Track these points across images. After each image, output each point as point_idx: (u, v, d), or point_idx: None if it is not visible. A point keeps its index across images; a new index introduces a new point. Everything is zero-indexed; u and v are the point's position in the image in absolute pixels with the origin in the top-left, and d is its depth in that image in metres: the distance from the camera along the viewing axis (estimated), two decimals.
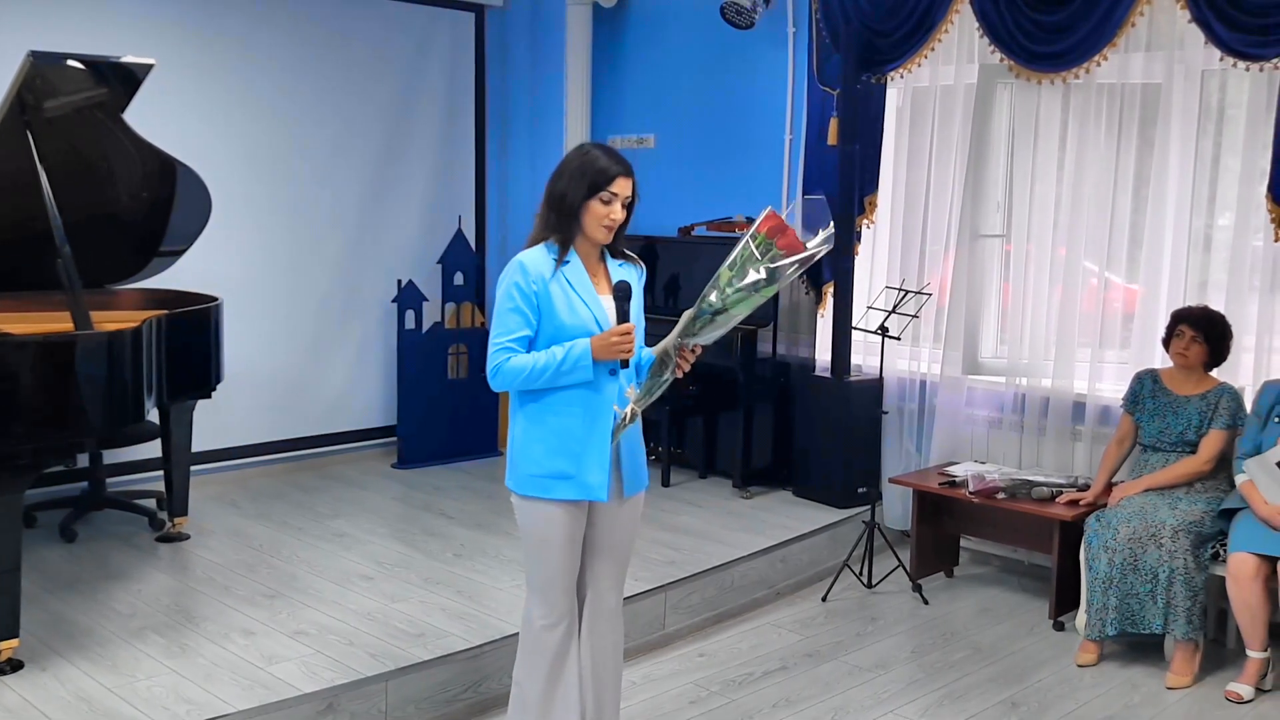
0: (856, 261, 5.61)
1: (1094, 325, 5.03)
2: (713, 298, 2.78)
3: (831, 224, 2.80)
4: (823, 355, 5.78)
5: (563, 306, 2.89)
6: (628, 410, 2.86)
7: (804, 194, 5.81)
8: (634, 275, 3.03)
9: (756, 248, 2.73)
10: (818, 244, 2.79)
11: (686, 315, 2.82)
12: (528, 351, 2.90)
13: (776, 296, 5.63)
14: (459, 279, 6.52)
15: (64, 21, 5.20)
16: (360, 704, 3.51)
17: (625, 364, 2.94)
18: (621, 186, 2.89)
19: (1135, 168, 4.91)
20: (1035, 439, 5.15)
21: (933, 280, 5.38)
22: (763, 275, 2.74)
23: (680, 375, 2.88)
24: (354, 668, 3.64)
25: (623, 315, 2.91)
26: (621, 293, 2.92)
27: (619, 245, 3.02)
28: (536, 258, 2.90)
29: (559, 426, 2.92)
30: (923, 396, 5.54)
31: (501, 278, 2.93)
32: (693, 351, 2.87)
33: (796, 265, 2.76)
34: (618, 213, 2.90)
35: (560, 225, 2.91)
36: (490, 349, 2.92)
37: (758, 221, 2.76)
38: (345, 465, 6.36)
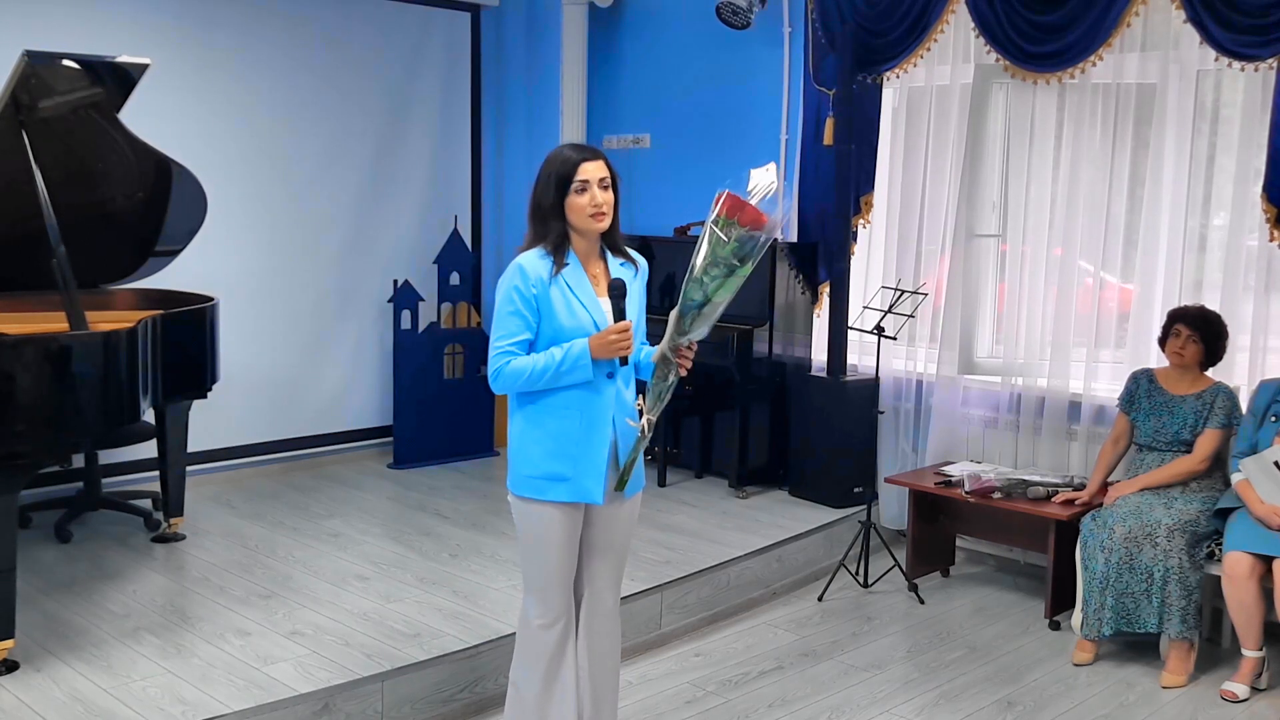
0: (852, 261, 5.62)
1: (1089, 325, 5.03)
2: (693, 292, 2.78)
3: (774, 182, 2.79)
4: (819, 355, 5.79)
5: (561, 309, 2.88)
6: (643, 422, 2.85)
7: (799, 194, 5.82)
8: (632, 275, 3.02)
9: (721, 231, 2.73)
10: (776, 209, 2.77)
11: (673, 316, 2.82)
12: (528, 354, 2.90)
13: (772, 296, 5.69)
14: (455, 279, 6.51)
15: (59, 21, 5.19)
16: (356, 704, 3.51)
17: (625, 361, 2.94)
18: (590, 171, 2.86)
19: (1130, 168, 4.92)
20: (1031, 439, 5.16)
21: (928, 280, 5.39)
22: (734, 257, 2.73)
23: (684, 374, 2.88)
24: (349, 668, 3.64)
25: (619, 313, 2.91)
26: (616, 291, 2.92)
27: (618, 240, 3.01)
28: (535, 260, 2.89)
29: (556, 429, 2.92)
30: (919, 396, 5.55)
31: (501, 281, 2.92)
32: (689, 348, 2.87)
33: (765, 237, 2.75)
34: (599, 197, 2.87)
35: (545, 231, 2.90)
36: (491, 352, 2.91)
37: (715, 206, 2.74)
38: (341, 465, 6.35)
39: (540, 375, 2.86)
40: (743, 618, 4.68)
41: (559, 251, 2.90)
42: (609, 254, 3.01)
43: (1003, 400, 5.26)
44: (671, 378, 2.86)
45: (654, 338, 2.92)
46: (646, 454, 5.85)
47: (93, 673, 3.59)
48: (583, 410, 2.91)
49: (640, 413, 2.88)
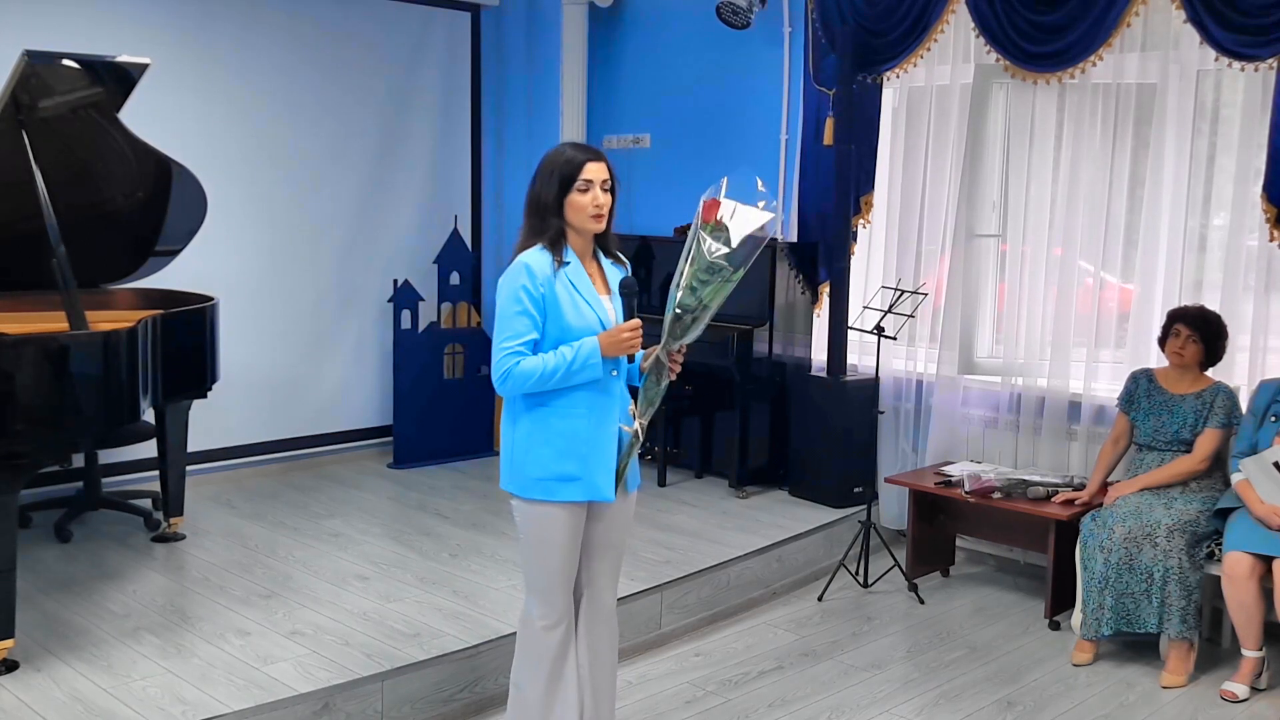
0: (852, 261, 5.62)
1: (1089, 325, 5.03)
2: (685, 297, 2.79)
3: (760, 183, 2.81)
4: (819, 355, 5.78)
5: (569, 308, 2.89)
6: (635, 427, 2.86)
7: (799, 194, 5.82)
8: (623, 276, 3.04)
9: (710, 236, 2.73)
10: (763, 215, 2.77)
11: (667, 320, 2.83)
12: (535, 354, 2.90)
13: (772, 296, 5.69)
14: (455, 279, 6.51)
15: (59, 21, 5.19)
16: (356, 704, 3.51)
17: (631, 359, 2.96)
18: (593, 171, 2.88)
19: (1130, 167, 4.92)
20: (1031, 438, 5.16)
21: (928, 280, 5.39)
22: (724, 262, 2.74)
23: (673, 378, 2.89)
24: (349, 668, 3.64)
25: (629, 312, 2.93)
26: (629, 289, 2.93)
27: (610, 242, 3.02)
28: (540, 260, 2.89)
29: (566, 429, 2.92)
30: (919, 396, 5.55)
31: (505, 280, 2.91)
32: (680, 352, 2.88)
33: (753, 243, 2.75)
34: (601, 198, 2.88)
35: (543, 228, 2.90)
36: (497, 354, 2.89)
37: (700, 212, 2.74)
38: (341, 465, 6.35)
39: (551, 375, 2.85)
40: (743, 618, 4.68)
41: (556, 248, 2.91)
42: (601, 255, 3.03)
43: (1003, 400, 5.26)
44: (664, 382, 2.87)
45: (648, 337, 2.93)
46: (646, 454, 5.90)
47: (93, 673, 3.59)
48: (591, 409, 2.92)
49: (633, 417, 2.89)
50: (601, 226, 2.93)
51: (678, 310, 2.81)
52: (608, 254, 3.04)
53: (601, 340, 2.86)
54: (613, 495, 2.95)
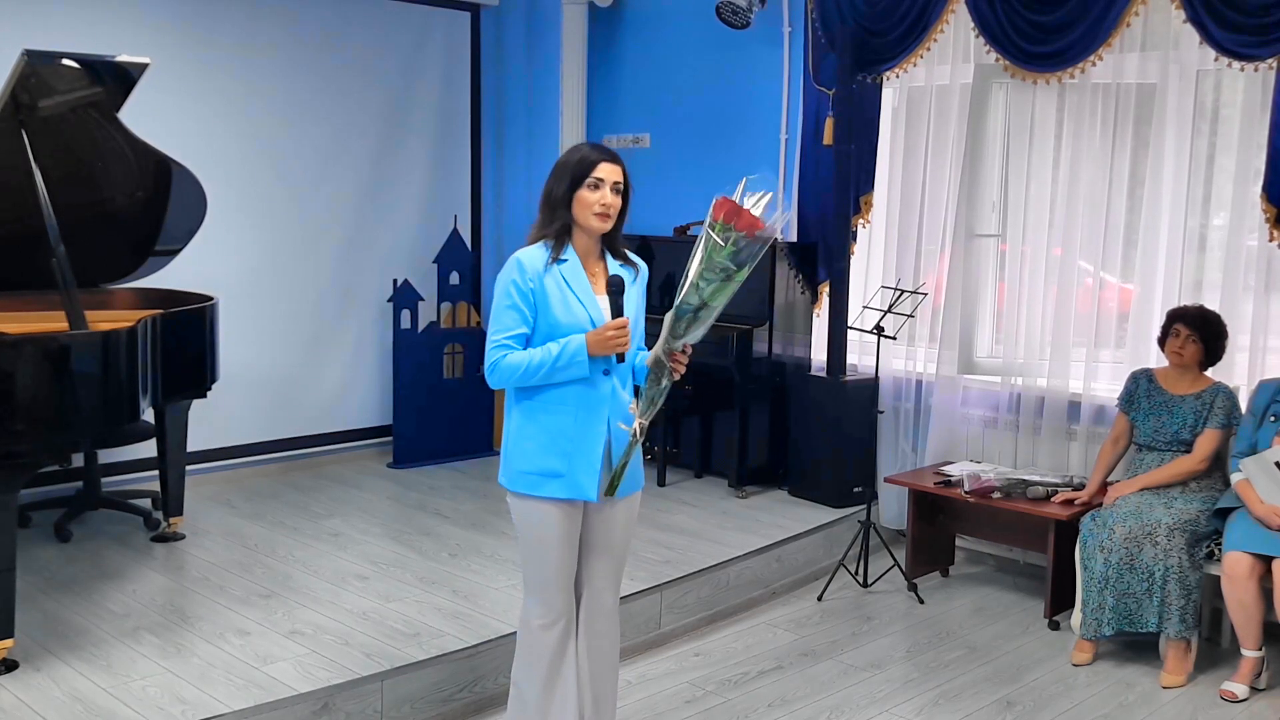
0: (852, 261, 5.62)
1: (1089, 325, 5.04)
2: (689, 296, 2.79)
3: (770, 193, 2.81)
4: (818, 355, 5.79)
5: (559, 305, 2.89)
6: (635, 426, 2.86)
7: (799, 194, 5.82)
8: (631, 277, 3.03)
9: (718, 236, 2.73)
10: (773, 216, 2.78)
11: (668, 319, 2.82)
12: (524, 349, 2.90)
13: (772, 296, 5.69)
14: (454, 278, 6.51)
15: (59, 21, 5.19)
16: (355, 704, 3.51)
17: (621, 358, 2.95)
18: (607, 172, 2.89)
19: (1130, 167, 4.92)
20: (1031, 438, 5.16)
21: (928, 280, 5.39)
22: (730, 262, 2.74)
23: (677, 378, 2.89)
24: (349, 667, 3.64)
25: (616, 310, 2.92)
26: (615, 287, 2.93)
27: (618, 243, 3.02)
28: (534, 255, 2.91)
29: (552, 424, 2.92)
30: (918, 396, 5.55)
31: (500, 275, 2.94)
32: (684, 353, 2.87)
33: (760, 243, 2.75)
34: (609, 197, 2.89)
35: (550, 221, 2.92)
36: (487, 346, 2.93)
37: (711, 210, 2.75)
38: (340, 465, 6.35)
39: (536, 370, 2.87)
40: (742, 618, 4.68)
41: (559, 244, 2.92)
42: (609, 256, 3.02)
43: (1002, 400, 5.26)
44: (665, 382, 2.86)
45: (653, 338, 2.92)
46: (646, 454, 5.89)
47: (93, 672, 3.59)
48: (579, 406, 2.92)
49: (633, 416, 2.88)
50: (606, 226, 2.93)
51: (680, 309, 2.81)
52: (616, 256, 3.04)
53: (589, 338, 2.87)
54: (595, 495, 2.94)
